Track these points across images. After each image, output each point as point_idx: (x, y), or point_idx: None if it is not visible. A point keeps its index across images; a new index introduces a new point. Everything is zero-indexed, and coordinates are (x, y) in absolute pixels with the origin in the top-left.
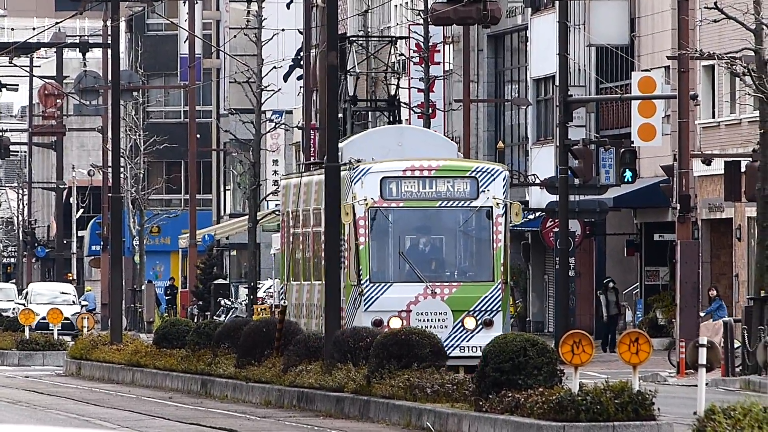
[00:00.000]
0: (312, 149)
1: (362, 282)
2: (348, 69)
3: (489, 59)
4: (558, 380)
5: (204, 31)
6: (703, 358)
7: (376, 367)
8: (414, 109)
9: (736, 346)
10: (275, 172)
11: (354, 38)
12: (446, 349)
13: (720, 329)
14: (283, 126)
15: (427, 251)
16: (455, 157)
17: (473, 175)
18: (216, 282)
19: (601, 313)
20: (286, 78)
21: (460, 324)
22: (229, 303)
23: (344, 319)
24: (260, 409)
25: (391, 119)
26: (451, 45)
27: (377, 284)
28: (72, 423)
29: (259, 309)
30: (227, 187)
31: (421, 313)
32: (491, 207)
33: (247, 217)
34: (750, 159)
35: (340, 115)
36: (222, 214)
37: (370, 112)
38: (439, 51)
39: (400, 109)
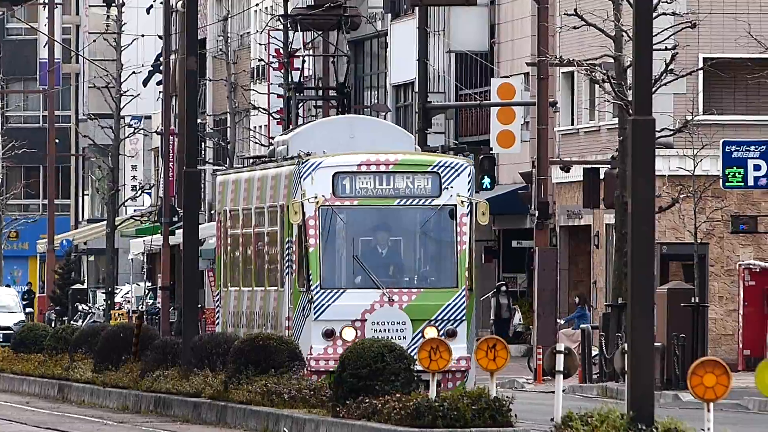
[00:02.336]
0: (171, 154)
1: (312, 288)
2: (293, 51)
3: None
4: (415, 386)
5: (63, 36)
6: (560, 364)
7: (233, 372)
8: (273, 115)
9: (593, 352)
10: (134, 177)
11: (300, 17)
12: None
13: (578, 336)
14: (141, 131)
15: (384, 254)
16: (413, 150)
17: (435, 170)
18: (74, 287)
19: (498, 316)
20: (145, 83)
21: (421, 334)
22: (87, 308)
23: (291, 330)
24: (117, 414)
25: (341, 109)
26: (311, 50)
27: (329, 291)
28: None
29: (116, 314)
30: (86, 193)
31: (377, 323)
32: (455, 206)
33: (105, 222)
34: (609, 166)
35: (281, 104)
36: (80, 219)
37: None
38: (298, 57)
39: (350, 97)
